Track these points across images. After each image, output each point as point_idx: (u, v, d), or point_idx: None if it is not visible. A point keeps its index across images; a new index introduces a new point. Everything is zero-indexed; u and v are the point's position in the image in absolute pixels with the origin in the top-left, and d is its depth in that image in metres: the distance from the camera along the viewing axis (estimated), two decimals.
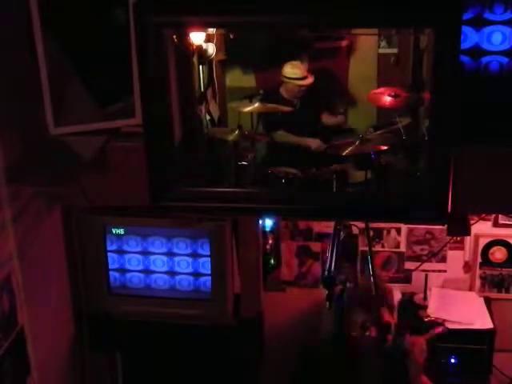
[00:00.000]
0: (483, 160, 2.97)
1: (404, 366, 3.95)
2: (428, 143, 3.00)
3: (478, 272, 4.42)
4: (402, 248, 4.50)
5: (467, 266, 4.47)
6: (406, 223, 4.36)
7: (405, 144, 3.58)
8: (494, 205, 3.15)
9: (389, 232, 4.48)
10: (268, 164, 3.88)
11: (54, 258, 3.75)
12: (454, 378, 4.22)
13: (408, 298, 4.46)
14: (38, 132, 3.22)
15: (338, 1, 2.84)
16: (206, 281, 3.88)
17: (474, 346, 4.13)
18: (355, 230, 4.46)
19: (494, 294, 4.43)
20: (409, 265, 4.52)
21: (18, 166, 3.21)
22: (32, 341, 3.37)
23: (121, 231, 3.89)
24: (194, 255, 3.85)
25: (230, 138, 3.63)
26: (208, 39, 3.94)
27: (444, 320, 4.16)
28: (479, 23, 2.94)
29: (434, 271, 4.48)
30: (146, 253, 3.91)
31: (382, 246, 4.51)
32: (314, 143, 3.97)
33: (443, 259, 4.47)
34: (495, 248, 4.37)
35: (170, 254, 3.88)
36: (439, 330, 4.00)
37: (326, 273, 4.24)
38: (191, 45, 3.73)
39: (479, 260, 4.40)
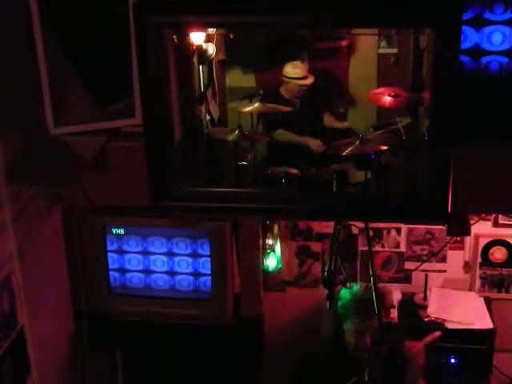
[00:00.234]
0: (483, 160, 2.97)
1: (402, 372, 3.95)
2: (428, 143, 3.00)
3: (478, 272, 4.41)
4: (402, 248, 4.50)
5: (467, 266, 4.47)
6: (405, 223, 4.36)
7: (405, 144, 3.58)
8: (494, 205, 3.15)
9: (389, 232, 4.48)
10: (268, 164, 3.88)
11: (54, 258, 3.75)
12: (453, 378, 4.22)
13: (408, 298, 4.45)
14: (38, 132, 3.22)
15: (337, 1, 2.84)
16: (206, 281, 3.88)
17: (474, 345, 4.13)
18: (355, 230, 4.45)
19: (494, 294, 4.42)
20: (409, 265, 4.51)
21: (18, 166, 3.21)
22: (32, 341, 3.37)
23: (121, 231, 3.89)
24: (194, 255, 3.86)
25: (230, 137, 3.63)
26: (208, 39, 3.94)
27: (444, 320, 4.16)
28: (479, 23, 2.94)
29: (434, 271, 4.48)
30: (146, 253, 3.92)
31: (382, 246, 4.51)
32: (314, 143, 3.97)
33: (443, 259, 4.46)
34: (495, 248, 4.37)
35: (170, 254, 3.89)
36: (436, 335, 4.00)
37: (326, 273, 4.24)
38: (191, 45, 3.73)
39: (479, 260, 4.39)
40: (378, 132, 3.73)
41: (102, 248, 3.92)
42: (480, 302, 4.36)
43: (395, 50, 4.35)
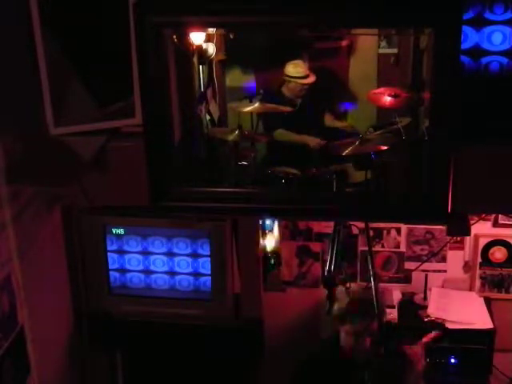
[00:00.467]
0: (483, 160, 2.97)
1: (402, 372, 3.95)
2: (428, 143, 3.00)
3: (478, 272, 4.41)
4: (402, 248, 4.50)
5: (467, 266, 4.46)
6: (405, 223, 4.36)
7: (405, 144, 3.58)
8: (494, 205, 3.15)
9: (389, 232, 4.48)
10: (268, 164, 3.89)
11: (54, 258, 3.74)
12: (454, 378, 4.21)
13: (408, 298, 4.45)
14: (38, 132, 3.22)
15: (338, 1, 2.84)
16: (206, 281, 3.88)
17: (474, 345, 4.12)
18: (355, 230, 4.45)
19: (494, 294, 4.42)
20: (409, 265, 4.51)
21: (18, 166, 3.21)
22: (32, 341, 3.37)
23: (121, 231, 3.89)
24: (194, 255, 3.86)
25: (230, 137, 3.63)
26: (208, 39, 3.95)
27: (444, 320, 4.16)
28: (479, 23, 2.94)
29: (434, 271, 4.48)
30: (146, 253, 3.91)
31: (382, 246, 4.50)
32: (312, 141, 3.97)
33: (443, 259, 4.46)
34: (495, 248, 4.37)
35: (170, 254, 3.88)
36: (433, 335, 4.00)
37: (326, 273, 4.25)
38: (191, 45, 3.73)
39: (479, 260, 4.39)
40: (378, 132, 3.74)
41: (102, 248, 3.92)
42: (480, 302, 4.36)
43: (395, 50, 4.35)
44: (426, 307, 4.30)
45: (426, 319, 4.21)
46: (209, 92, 4.10)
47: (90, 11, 3.12)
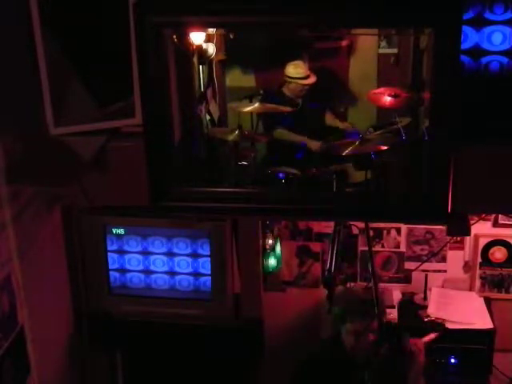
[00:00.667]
0: (483, 160, 2.97)
1: (403, 371, 3.95)
2: (428, 143, 3.00)
3: (478, 272, 4.42)
4: (402, 248, 4.50)
5: (467, 266, 4.47)
6: (405, 223, 4.36)
7: (405, 144, 3.58)
8: (494, 205, 3.15)
9: (389, 232, 4.48)
10: (268, 164, 3.89)
11: (54, 258, 3.74)
12: (454, 378, 4.22)
13: (408, 298, 4.45)
14: (38, 132, 3.22)
15: (338, 1, 2.84)
16: (206, 281, 3.88)
17: (474, 345, 4.13)
18: (355, 230, 4.46)
19: (494, 294, 4.42)
20: (409, 265, 4.51)
21: (18, 166, 3.21)
22: (32, 341, 3.37)
23: (121, 231, 3.89)
24: (194, 255, 3.86)
25: (230, 137, 3.63)
26: (208, 39, 3.94)
27: (444, 320, 4.16)
28: (479, 23, 2.94)
29: (434, 271, 4.48)
30: (146, 253, 3.91)
31: (382, 246, 4.51)
32: (313, 145, 3.97)
33: (443, 259, 4.46)
34: (495, 248, 4.37)
35: (170, 254, 3.89)
36: (433, 336, 4.01)
37: (326, 273, 4.25)
38: (191, 45, 3.73)
39: (479, 260, 4.39)
40: (378, 132, 3.74)
41: (102, 248, 3.92)
42: (480, 302, 4.36)
43: (395, 50, 4.35)
44: (426, 307, 4.31)
45: (425, 319, 4.21)
46: (209, 92, 4.10)
47: (89, 11, 3.12)
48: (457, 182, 2.97)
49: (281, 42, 4.20)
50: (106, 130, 3.26)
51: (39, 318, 3.46)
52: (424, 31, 3.47)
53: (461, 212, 3.12)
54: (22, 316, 3.28)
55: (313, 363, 4.22)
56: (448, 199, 2.98)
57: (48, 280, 3.63)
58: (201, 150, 3.76)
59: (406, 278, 4.53)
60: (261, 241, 4.08)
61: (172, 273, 3.92)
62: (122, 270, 3.96)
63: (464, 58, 2.94)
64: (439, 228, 4.31)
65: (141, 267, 3.95)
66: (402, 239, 4.48)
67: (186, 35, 3.57)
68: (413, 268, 4.50)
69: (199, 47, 3.87)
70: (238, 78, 4.47)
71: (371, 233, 4.29)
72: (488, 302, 4.37)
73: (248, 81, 4.49)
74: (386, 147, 3.45)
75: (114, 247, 3.93)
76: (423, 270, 4.47)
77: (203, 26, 3.46)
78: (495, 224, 4.34)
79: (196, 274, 3.89)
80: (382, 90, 3.81)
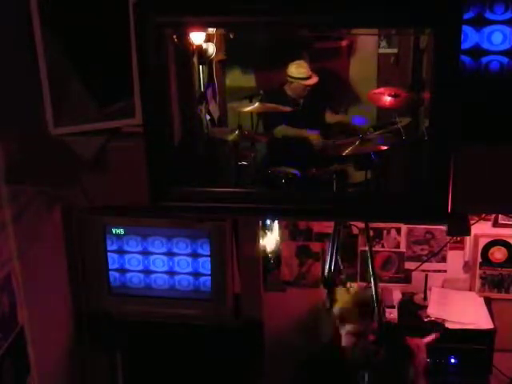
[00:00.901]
0: (483, 160, 2.97)
1: (404, 371, 3.95)
2: (428, 143, 3.00)
3: (478, 272, 4.42)
4: (402, 248, 4.50)
5: (467, 266, 4.47)
6: (405, 223, 4.36)
7: (405, 144, 3.58)
8: (494, 205, 3.15)
9: (389, 232, 4.48)
10: (268, 164, 3.89)
11: (54, 258, 3.75)
12: (454, 378, 4.22)
13: (408, 298, 4.46)
14: (38, 132, 3.22)
15: (337, 1, 2.84)
16: (206, 281, 3.88)
17: (474, 346, 4.13)
18: (355, 230, 4.46)
19: (494, 294, 4.42)
20: (409, 265, 4.51)
21: (18, 166, 3.20)
22: (32, 341, 3.37)
23: (121, 231, 3.89)
24: (194, 255, 3.85)
25: (230, 137, 3.63)
26: (208, 39, 3.95)
27: (444, 320, 4.16)
28: (479, 23, 2.94)
29: (434, 271, 4.48)
30: (146, 253, 3.91)
31: (382, 246, 4.51)
32: (314, 138, 3.97)
33: (443, 259, 4.46)
34: (495, 248, 4.37)
35: (170, 254, 3.88)
36: (434, 337, 4.01)
37: (326, 273, 4.25)
38: (191, 45, 3.73)
39: (479, 260, 4.40)
40: (378, 132, 3.74)
41: (102, 248, 3.92)
42: (480, 302, 4.36)
43: (395, 50, 4.36)
44: (425, 307, 4.31)
45: (425, 319, 4.21)
46: (209, 92, 4.10)
47: (90, 11, 3.11)
48: (457, 182, 2.97)
49: (281, 41, 4.21)
50: (106, 130, 3.26)
51: (39, 318, 3.46)
52: (424, 31, 3.47)
53: (461, 212, 3.11)
54: (21, 316, 3.28)
55: (313, 363, 4.22)
56: (448, 199, 2.98)
57: (48, 280, 3.63)
58: (201, 150, 3.76)
59: (406, 278, 4.53)
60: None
61: (172, 273, 3.92)
62: (122, 270, 3.96)
63: (464, 58, 2.93)
64: (439, 228, 4.31)
65: (141, 267, 3.95)
66: (402, 239, 4.48)
67: (186, 35, 3.57)
68: (413, 268, 4.50)
69: (199, 47, 3.87)
70: (238, 78, 4.47)
71: (371, 233, 4.29)
72: (488, 301, 4.37)
73: (248, 81, 4.49)
74: (385, 147, 3.46)
75: (114, 247, 3.93)
76: (423, 270, 4.47)
77: (203, 26, 3.46)
78: (495, 224, 4.34)
79: (196, 274, 3.89)
80: (382, 90, 3.81)
